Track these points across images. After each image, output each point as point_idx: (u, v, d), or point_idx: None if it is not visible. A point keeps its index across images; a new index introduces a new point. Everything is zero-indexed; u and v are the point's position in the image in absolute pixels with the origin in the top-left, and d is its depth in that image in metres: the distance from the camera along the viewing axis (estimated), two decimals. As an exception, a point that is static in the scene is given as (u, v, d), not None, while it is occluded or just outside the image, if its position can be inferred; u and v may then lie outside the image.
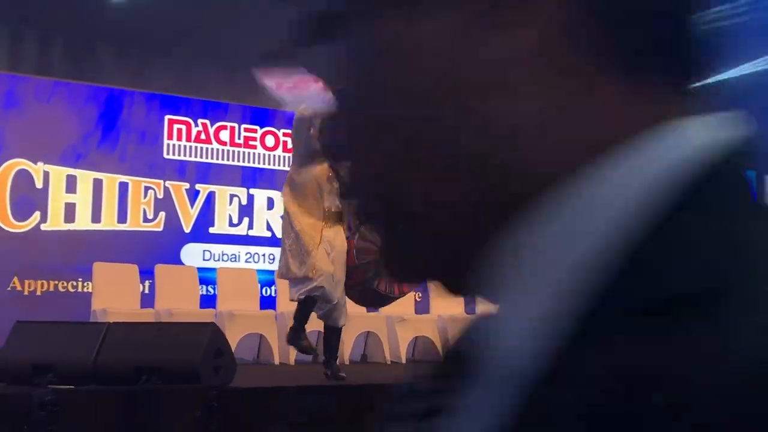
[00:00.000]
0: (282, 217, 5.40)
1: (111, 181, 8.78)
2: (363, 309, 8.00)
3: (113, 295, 6.97)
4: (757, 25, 11.30)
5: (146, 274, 7.73)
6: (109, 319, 6.23)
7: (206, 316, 7.02)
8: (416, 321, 8.13)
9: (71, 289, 8.40)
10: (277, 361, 7.18)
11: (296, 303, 5.35)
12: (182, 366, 4.17)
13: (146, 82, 9.25)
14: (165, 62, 9.48)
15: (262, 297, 7.96)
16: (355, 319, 7.65)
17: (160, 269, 7.50)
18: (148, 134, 9.06)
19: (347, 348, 7.64)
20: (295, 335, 5.37)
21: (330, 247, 5.16)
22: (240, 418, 4.11)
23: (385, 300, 5.47)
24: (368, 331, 7.91)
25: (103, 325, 4.42)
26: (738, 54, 11.72)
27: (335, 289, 5.18)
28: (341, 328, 5.42)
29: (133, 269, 7.39)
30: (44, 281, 8.34)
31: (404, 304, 8.26)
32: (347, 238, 5.26)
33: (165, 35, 9.37)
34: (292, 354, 7.26)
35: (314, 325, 7.18)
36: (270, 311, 7.45)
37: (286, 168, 9.46)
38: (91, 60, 9.13)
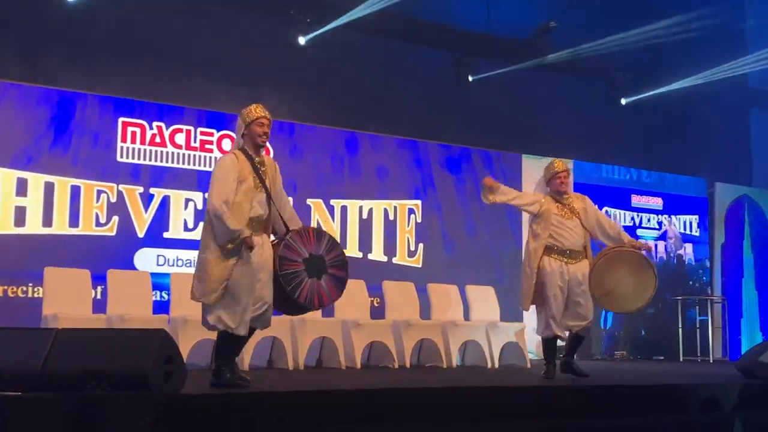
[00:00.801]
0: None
1: (63, 184, 8.66)
2: (318, 314, 8.01)
3: (65, 300, 6.87)
4: (701, 40, 11.58)
5: (98, 279, 7.64)
6: (60, 325, 6.14)
7: (159, 322, 6.96)
8: (371, 326, 8.13)
9: (21, 295, 8.27)
10: (231, 366, 7.12)
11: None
12: (131, 372, 4.13)
13: (100, 84, 9.15)
14: (119, 65, 9.38)
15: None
16: (310, 323, 7.66)
17: (112, 274, 7.40)
18: (102, 137, 8.95)
19: (302, 353, 7.62)
20: (216, 374, 5.12)
21: (259, 264, 5.03)
22: (189, 424, 4.08)
23: (303, 310, 5.32)
24: (323, 336, 7.90)
25: (51, 330, 4.34)
26: (685, 67, 11.98)
27: (262, 295, 5.06)
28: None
29: (85, 274, 7.29)
30: (-6, 286, 8.21)
31: (360, 309, 8.28)
32: (273, 244, 5.17)
33: (119, 37, 9.27)
34: (246, 359, 7.22)
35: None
36: (224, 316, 7.38)
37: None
38: (44, 62, 9.00)
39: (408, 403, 5.05)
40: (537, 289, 6.50)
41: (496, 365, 8.54)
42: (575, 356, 6.84)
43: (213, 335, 7.11)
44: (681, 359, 11.56)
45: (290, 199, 6.05)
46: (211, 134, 9.57)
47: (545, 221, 6.53)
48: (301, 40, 10.12)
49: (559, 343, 6.81)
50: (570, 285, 6.50)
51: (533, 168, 11.63)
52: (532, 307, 6.74)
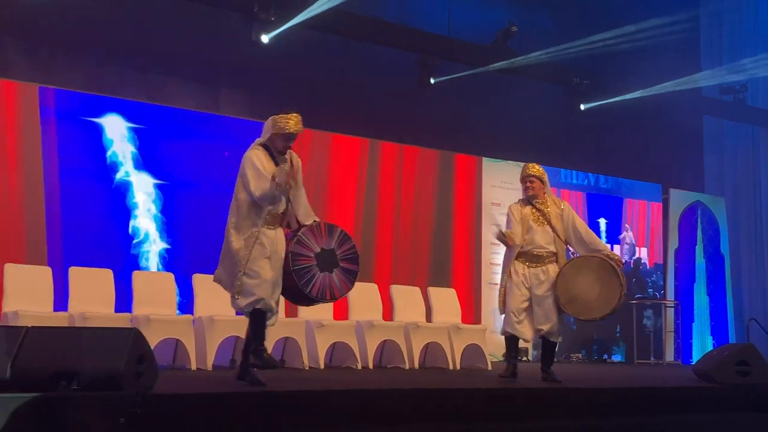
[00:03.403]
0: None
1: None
2: (282, 314, 7.97)
3: (25, 297, 6.71)
4: (657, 51, 11.84)
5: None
6: (21, 322, 6.03)
7: (122, 320, 6.86)
8: (335, 327, 8.11)
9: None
10: (194, 366, 7.07)
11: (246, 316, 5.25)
12: (104, 372, 4.06)
13: (58, 78, 8.96)
14: (78, 59, 9.21)
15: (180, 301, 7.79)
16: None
17: (74, 271, 7.27)
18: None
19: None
20: (256, 354, 5.16)
21: (271, 250, 5.15)
22: (164, 425, 4.03)
23: (314, 303, 5.47)
24: (287, 337, 7.84)
25: (20, 329, 4.25)
26: (642, 76, 12.21)
27: (274, 293, 5.19)
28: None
29: (46, 271, 7.16)
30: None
31: (323, 309, 8.25)
32: (286, 239, 5.26)
33: (78, 30, 9.10)
34: (210, 359, 7.16)
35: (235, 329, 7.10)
36: (187, 316, 7.33)
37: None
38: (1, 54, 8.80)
39: (373, 404, 5.06)
40: (505, 292, 6.59)
41: (458, 367, 8.58)
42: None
43: (176, 335, 7.10)
44: (635, 362, 11.75)
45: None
46: (173, 131, 9.44)
47: (522, 227, 6.55)
48: (264, 38, 10.04)
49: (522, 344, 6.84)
50: (531, 287, 6.50)
51: (493, 171, 11.75)
52: (494, 310, 6.81)
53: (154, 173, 9.19)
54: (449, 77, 11.42)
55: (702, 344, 12.68)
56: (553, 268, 6.51)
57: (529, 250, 6.54)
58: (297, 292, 5.22)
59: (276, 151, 5.29)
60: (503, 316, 6.69)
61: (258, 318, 5.18)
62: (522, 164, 7.06)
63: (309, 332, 7.90)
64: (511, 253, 6.61)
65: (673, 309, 12.62)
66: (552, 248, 6.55)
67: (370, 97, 10.95)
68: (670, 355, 12.40)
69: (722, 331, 13.13)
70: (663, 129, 13.39)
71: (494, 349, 10.38)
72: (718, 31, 14.38)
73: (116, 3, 9.33)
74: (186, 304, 8.16)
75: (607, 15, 12.17)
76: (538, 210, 6.58)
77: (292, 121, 5.27)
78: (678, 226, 13.06)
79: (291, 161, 5.31)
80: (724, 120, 14.23)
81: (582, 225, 6.72)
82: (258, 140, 5.39)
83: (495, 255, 11.61)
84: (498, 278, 11.44)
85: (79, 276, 7.24)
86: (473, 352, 8.78)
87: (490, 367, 8.69)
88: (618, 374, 8.81)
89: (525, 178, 6.65)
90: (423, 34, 11.20)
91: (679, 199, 13.19)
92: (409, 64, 11.33)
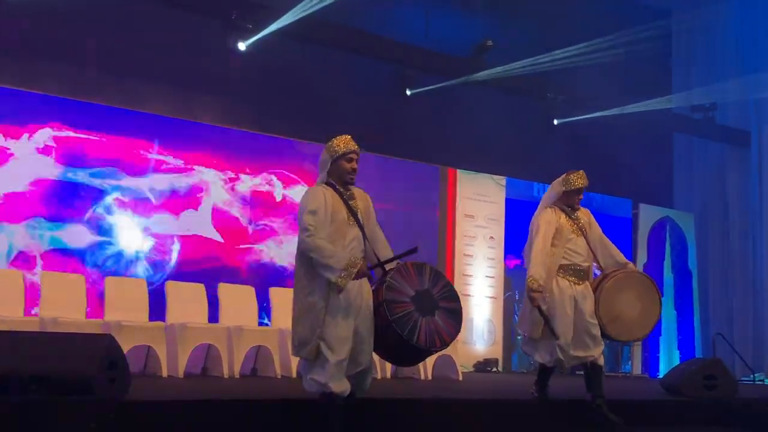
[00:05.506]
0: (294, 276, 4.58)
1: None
2: (254, 322, 7.98)
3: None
4: (628, 69, 12.01)
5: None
6: (-10, 327, 5.96)
7: (93, 326, 6.81)
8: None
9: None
10: (165, 373, 7.03)
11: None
12: (75, 377, 4.05)
13: (32, 82, 8.88)
14: (52, 63, 9.13)
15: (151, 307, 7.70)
16: (246, 332, 7.56)
17: (46, 276, 7.21)
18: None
19: (238, 361, 7.51)
20: None
21: (353, 303, 4.46)
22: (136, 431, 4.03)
23: (420, 355, 4.73)
24: (259, 345, 7.81)
25: (-9, 333, 4.23)
26: (614, 93, 12.39)
27: (359, 353, 4.50)
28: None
29: (17, 275, 7.09)
30: None
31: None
32: (372, 290, 4.59)
33: (52, 34, 9.04)
34: (181, 366, 7.12)
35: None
36: (159, 323, 7.29)
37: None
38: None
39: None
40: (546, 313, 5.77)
41: (429, 377, 8.60)
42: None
43: (148, 342, 7.05)
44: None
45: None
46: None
47: (561, 237, 5.83)
48: (242, 46, 10.05)
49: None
50: (578, 309, 5.82)
51: (467, 183, 11.81)
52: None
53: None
54: (425, 89, 11.49)
55: (669, 358, 12.82)
56: (590, 284, 5.92)
57: (573, 263, 5.86)
58: (400, 347, 4.48)
59: (342, 182, 4.63)
60: (543, 344, 5.89)
61: (327, 405, 4.46)
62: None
63: (282, 342, 7.88)
64: (551, 266, 5.80)
65: (641, 323, 12.73)
66: (589, 262, 5.94)
67: (346, 107, 10.95)
68: (637, 368, 12.53)
69: (688, 346, 13.30)
70: (633, 144, 13.55)
71: (465, 360, 10.44)
72: (686, 51, 14.59)
73: (90, 7, 9.26)
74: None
75: (579, 31, 12.31)
76: (575, 221, 5.92)
77: (347, 140, 4.71)
78: (647, 240, 13.21)
79: (357, 198, 4.68)
80: (694, 137, 14.44)
81: (606, 238, 6.10)
82: (318, 181, 4.70)
83: (468, 266, 11.68)
84: (472, 290, 11.64)
85: (51, 281, 7.18)
86: (445, 362, 8.80)
87: (461, 378, 8.72)
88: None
89: (580, 191, 5.91)
90: (400, 44, 11.26)
91: (649, 215, 13.35)
92: (385, 74, 11.38)
